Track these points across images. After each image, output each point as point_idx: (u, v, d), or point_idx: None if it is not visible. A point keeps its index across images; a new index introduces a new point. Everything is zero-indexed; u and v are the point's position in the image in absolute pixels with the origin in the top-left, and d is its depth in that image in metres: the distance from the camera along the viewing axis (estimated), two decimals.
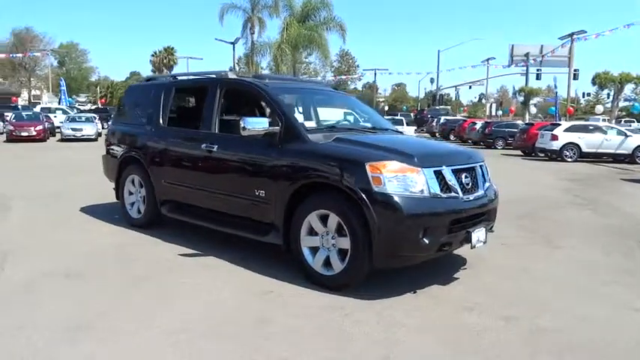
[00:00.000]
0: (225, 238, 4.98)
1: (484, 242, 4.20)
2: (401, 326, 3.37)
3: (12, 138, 21.40)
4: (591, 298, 3.96)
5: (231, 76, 5.24)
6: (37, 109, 31.78)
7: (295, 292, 3.97)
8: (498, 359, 2.95)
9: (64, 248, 5.10)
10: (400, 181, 3.76)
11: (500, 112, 49.75)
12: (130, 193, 6.12)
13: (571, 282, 4.38)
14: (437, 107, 44.11)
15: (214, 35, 61.85)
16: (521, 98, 41.27)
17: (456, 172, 4.09)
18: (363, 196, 3.73)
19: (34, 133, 21.64)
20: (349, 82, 70.53)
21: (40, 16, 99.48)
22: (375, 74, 52.89)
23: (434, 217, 3.81)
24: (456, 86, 58.74)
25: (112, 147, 6.46)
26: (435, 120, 34.47)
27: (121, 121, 6.64)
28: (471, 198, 4.14)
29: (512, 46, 44.10)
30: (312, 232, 4.12)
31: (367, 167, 3.77)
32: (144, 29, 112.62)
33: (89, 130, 23.41)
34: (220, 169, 4.92)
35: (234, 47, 33.79)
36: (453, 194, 3.98)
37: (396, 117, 27.98)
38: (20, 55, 45.42)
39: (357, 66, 68.76)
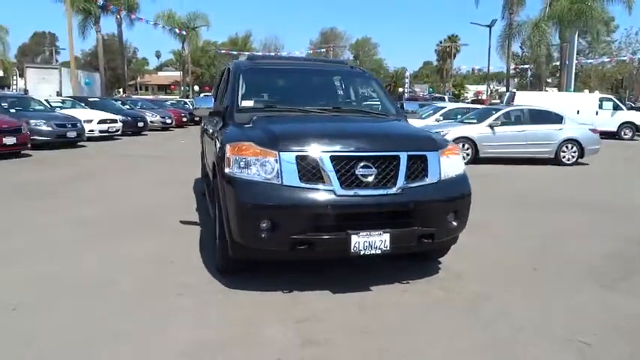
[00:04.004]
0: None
1: (382, 250, 3.32)
2: (207, 319, 3.15)
3: None
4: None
5: (241, 58, 5.41)
6: None
7: (192, 267, 4.07)
8: None
9: (122, 202, 6.49)
10: (248, 164, 3.38)
11: None
12: None
13: (514, 332, 3.06)
14: None
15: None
16: None
17: (343, 160, 3.33)
18: (219, 178, 3.54)
19: None
20: None
21: (342, 16, 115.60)
22: None
23: (280, 209, 3.26)
24: None
25: None
26: None
27: None
28: (361, 193, 3.31)
29: None
30: None
31: (227, 148, 3.52)
32: (429, 20, 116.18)
33: None
34: (209, 145, 5.27)
35: (490, 30, 31.65)
36: (325, 186, 3.29)
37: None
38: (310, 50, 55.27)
39: None
